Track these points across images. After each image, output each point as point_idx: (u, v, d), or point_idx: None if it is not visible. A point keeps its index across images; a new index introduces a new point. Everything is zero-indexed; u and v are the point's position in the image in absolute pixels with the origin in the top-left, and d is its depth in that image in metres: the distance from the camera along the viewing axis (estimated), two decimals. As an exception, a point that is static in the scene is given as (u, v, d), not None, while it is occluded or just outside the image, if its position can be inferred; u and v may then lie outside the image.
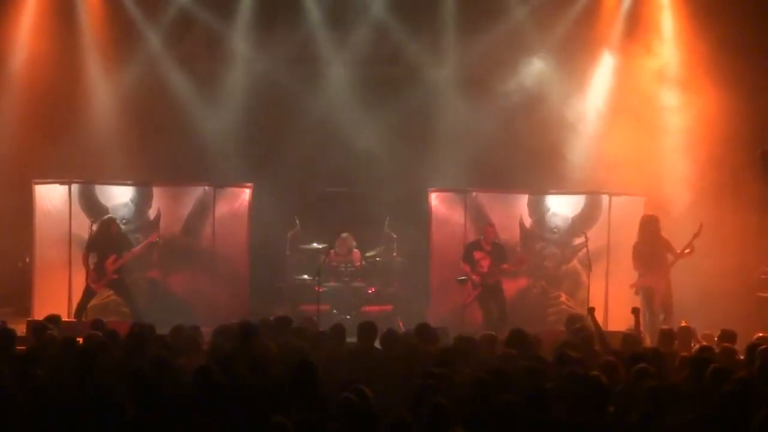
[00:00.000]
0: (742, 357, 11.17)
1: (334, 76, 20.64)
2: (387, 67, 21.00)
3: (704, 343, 11.85)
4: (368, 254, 19.68)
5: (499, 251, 17.56)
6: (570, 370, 9.01)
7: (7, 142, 18.82)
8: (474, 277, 17.44)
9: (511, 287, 18.20)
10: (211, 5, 20.23)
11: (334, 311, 18.16)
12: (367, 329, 11.56)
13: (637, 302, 16.42)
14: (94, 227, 17.51)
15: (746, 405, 8.32)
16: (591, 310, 12.98)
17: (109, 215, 17.82)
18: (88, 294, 17.20)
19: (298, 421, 7.62)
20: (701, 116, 18.69)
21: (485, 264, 17.41)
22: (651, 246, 17.35)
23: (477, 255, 17.49)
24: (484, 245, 17.57)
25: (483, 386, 8.61)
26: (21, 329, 13.53)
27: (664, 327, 12.66)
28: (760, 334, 12.20)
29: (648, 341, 13.57)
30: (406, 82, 20.46)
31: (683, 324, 13.09)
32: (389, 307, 18.86)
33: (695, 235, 16.97)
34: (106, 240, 17.28)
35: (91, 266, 17.23)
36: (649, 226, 17.43)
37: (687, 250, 17.01)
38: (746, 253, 18.34)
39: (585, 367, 9.40)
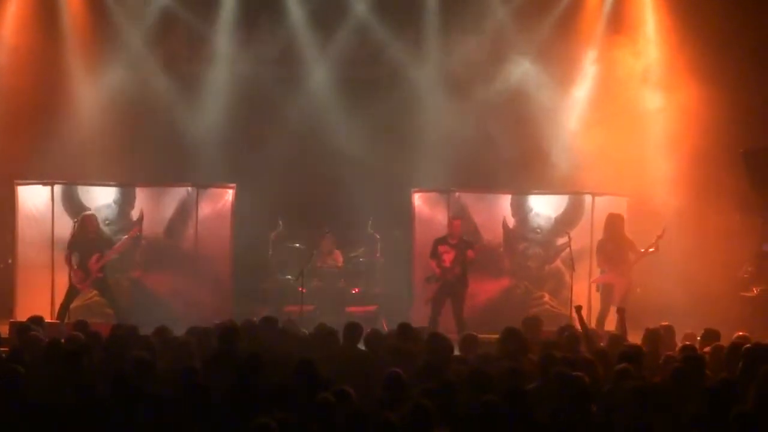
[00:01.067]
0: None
1: (316, 76, 20.67)
2: (369, 67, 21.03)
3: (687, 343, 11.87)
4: (351, 255, 19.68)
5: (463, 246, 17.36)
6: (554, 370, 9.03)
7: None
8: (436, 270, 17.15)
9: (494, 287, 18.24)
10: (193, 6, 20.24)
11: (317, 311, 18.16)
12: (351, 330, 11.55)
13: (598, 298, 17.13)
14: (75, 225, 17.47)
15: (728, 404, 8.35)
16: (578, 309, 12.97)
17: (87, 211, 17.74)
18: (71, 294, 17.14)
19: (281, 421, 7.62)
20: (684, 115, 18.73)
21: (447, 258, 17.21)
22: (614, 244, 17.53)
23: (441, 249, 17.27)
24: (450, 239, 17.29)
25: (464, 386, 8.62)
26: (3, 330, 13.50)
27: (650, 327, 12.67)
28: (740, 333, 12.22)
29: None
30: (388, 83, 20.52)
31: (665, 323, 13.10)
32: (373, 308, 18.86)
33: (659, 236, 17.19)
34: (86, 238, 17.21)
35: (75, 266, 17.17)
36: (614, 225, 17.62)
37: (651, 249, 17.25)
38: (729, 252, 18.39)
39: (570, 367, 9.40)
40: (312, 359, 9.33)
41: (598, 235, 18.12)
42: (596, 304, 17.52)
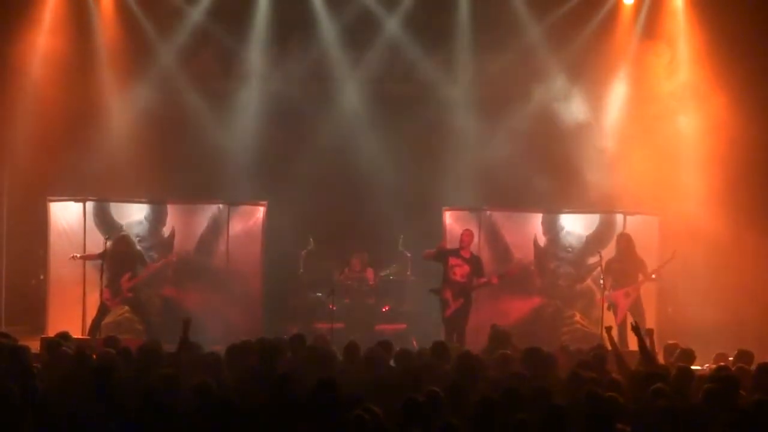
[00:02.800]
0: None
1: (348, 94, 20.66)
2: (401, 85, 21.02)
3: (721, 363, 11.76)
4: (382, 273, 19.67)
5: (477, 263, 17.31)
6: (585, 389, 8.96)
7: (22, 160, 18.84)
8: (455, 283, 17.08)
9: (524, 306, 18.21)
10: (226, 22, 20.27)
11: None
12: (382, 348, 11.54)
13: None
14: (109, 243, 17.55)
15: (759, 425, 8.27)
16: (608, 329, 12.91)
17: (124, 232, 17.86)
18: (102, 311, 17.23)
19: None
20: (719, 133, 18.62)
21: (461, 272, 17.13)
22: (622, 264, 17.59)
23: (453, 261, 17.22)
24: (462, 252, 17.29)
25: (494, 406, 8.56)
26: (35, 346, 13.52)
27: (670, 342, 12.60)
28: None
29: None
30: (420, 100, 20.47)
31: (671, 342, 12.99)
32: (403, 326, 18.83)
33: (667, 261, 17.25)
34: (120, 256, 17.30)
35: (105, 283, 17.24)
36: (622, 245, 17.66)
37: (653, 276, 17.48)
38: (761, 270, 18.25)
39: (599, 387, 9.33)
40: (333, 378, 9.27)
41: (630, 255, 18.09)
42: (628, 324, 17.40)
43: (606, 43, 19.76)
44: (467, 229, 17.58)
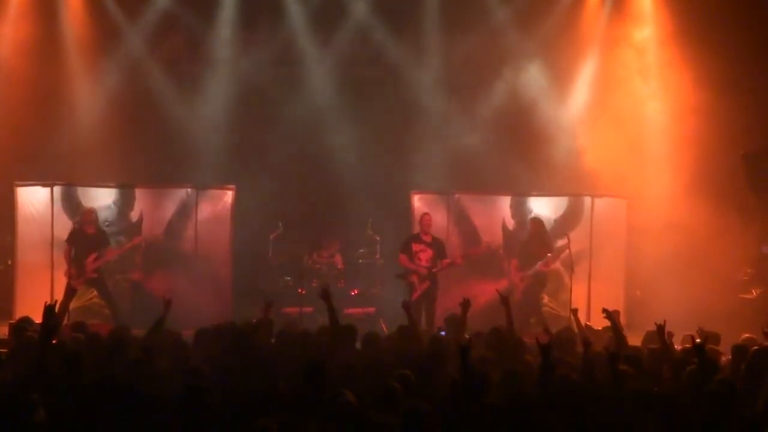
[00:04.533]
0: (725, 359, 11.18)
1: (316, 77, 20.67)
2: (369, 68, 21.04)
3: (687, 345, 11.83)
4: (351, 256, 19.67)
5: (439, 245, 17.37)
6: (557, 373, 8.98)
7: (-12, 144, 18.77)
8: (420, 269, 17.15)
9: (493, 289, 18.21)
10: (193, 7, 20.22)
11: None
12: (346, 332, 11.50)
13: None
14: (76, 222, 17.51)
15: (729, 406, 8.32)
16: (575, 311, 12.99)
17: (89, 206, 17.74)
18: (69, 293, 17.08)
19: (281, 423, 7.59)
20: (685, 117, 18.77)
21: (425, 257, 17.21)
22: (531, 247, 17.82)
23: (416, 247, 17.26)
24: (423, 237, 17.34)
25: (461, 389, 8.57)
26: (2, 332, 13.48)
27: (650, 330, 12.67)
28: (747, 336, 12.18)
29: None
30: (388, 84, 20.52)
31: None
32: (372, 309, 18.85)
33: (561, 250, 17.49)
34: (84, 234, 17.22)
35: (72, 263, 17.17)
36: (532, 228, 17.95)
37: (548, 262, 17.63)
38: (728, 254, 18.37)
39: (568, 369, 9.37)
40: (323, 361, 9.27)
41: (598, 237, 18.18)
42: (595, 308, 17.43)
43: (575, 24, 19.83)
44: (425, 213, 17.62)
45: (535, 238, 17.79)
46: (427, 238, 17.29)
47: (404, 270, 17.23)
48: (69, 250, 17.23)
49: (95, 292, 17.71)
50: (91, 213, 17.48)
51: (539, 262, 17.55)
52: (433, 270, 17.09)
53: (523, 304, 17.26)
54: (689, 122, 18.62)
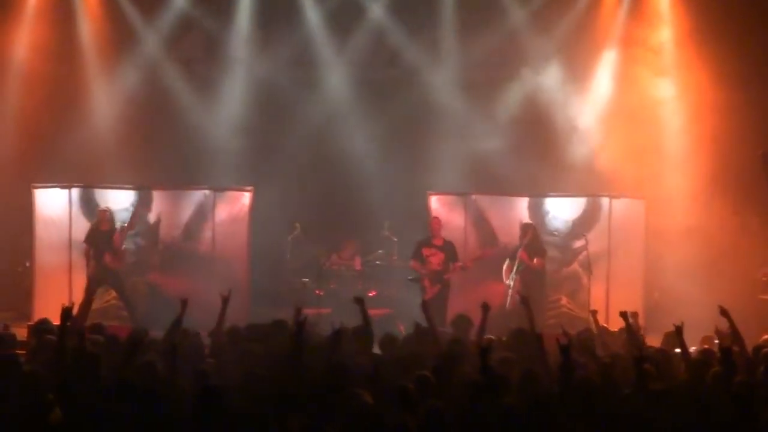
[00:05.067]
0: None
1: (333, 78, 20.65)
2: (386, 69, 21.03)
3: (705, 346, 11.80)
4: (368, 257, 19.65)
5: (450, 249, 17.40)
6: (577, 375, 8.95)
7: (6, 146, 18.81)
8: (431, 271, 17.25)
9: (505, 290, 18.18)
10: (210, 8, 20.24)
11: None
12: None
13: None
14: (93, 221, 17.59)
15: (749, 408, 8.28)
16: (594, 313, 12.97)
17: (104, 206, 17.79)
18: (89, 297, 17.03)
19: (301, 425, 7.59)
20: (703, 117, 18.68)
21: (436, 261, 17.29)
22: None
23: (426, 252, 17.34)
24: (434, 241, 17.42)
25: (481, 389, 8.54)
26: (21, 333, 13.50)
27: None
28: (767, 336, 12.12)
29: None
30: (405, 85, 20.47)
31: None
32: (389, 311, 18.81)
33: (579, 251, 17.70)
34: (100, 231, 17.29)
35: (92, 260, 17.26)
36: (525, 233, 17.68)
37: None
38: (747, 255, 18.29)
39: (587, 371, 9.35)
40: (343, 362, 9.27)
41: (616, 238, 18.12)
42: (613, 309, 17.32)
43: (592, 24, 19.75)
44: (434, 217, 17.74)
45: (528, 245, 17.61)
46: (438, 242, 17.34)
47: (415, 274, 17.26)
48: (88, 249, 17.31)
49: (113, 294, 17.76)
50: (105, 212, 17.55)
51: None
52: (445, 276, 17.10)
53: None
54: (707, 122, 18.54)
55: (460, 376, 9.18)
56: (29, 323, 15.76)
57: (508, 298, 17.22)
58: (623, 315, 11.93)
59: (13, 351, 10.98)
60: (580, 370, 9.20)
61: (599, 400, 8.44)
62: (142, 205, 18.38)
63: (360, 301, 11.61)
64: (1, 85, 19.02)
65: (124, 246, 17.66)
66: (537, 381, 9.04)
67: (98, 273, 17.36)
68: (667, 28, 19.65)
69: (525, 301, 12.22)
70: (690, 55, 19.16)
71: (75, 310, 12.15)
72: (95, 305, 17.46)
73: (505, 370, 9.41)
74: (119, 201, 18.38)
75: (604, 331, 13.34)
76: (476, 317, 12.04)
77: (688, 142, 19.05)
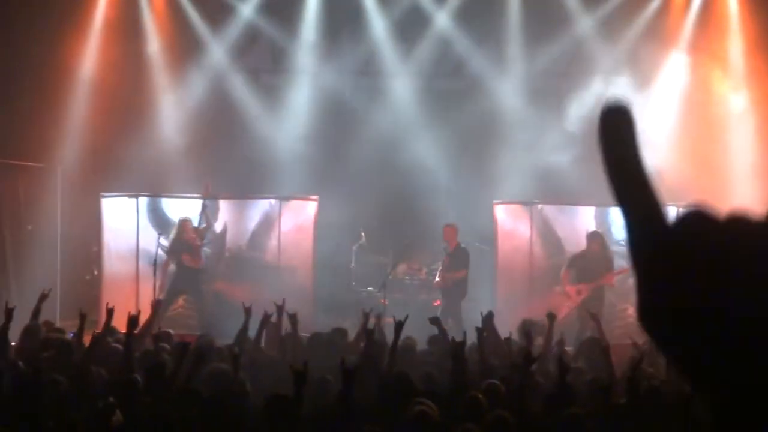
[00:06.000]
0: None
1: (398, 88, 20.71)
2: (451, 78, 21.08)
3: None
4: (433, 267, 19.64)
5: (456, 256, 17.58)
6: (646, 385, 8.89)
7: (76, 156, 19.00)
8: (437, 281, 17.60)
9: (576, 300, 18.06)
10: (276, 18, 20.35)
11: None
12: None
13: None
14: (172, 232, 17.65)
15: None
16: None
17: (184, 216, 17.90)
18: (158, 307, 17.07)
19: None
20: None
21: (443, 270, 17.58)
22: (588, 261, 17.41)
23: (444, 260, 17.69)
24: (449, 249, 17.68)
25: (556, 400, 8.50)
26: (88, 341, 13.59)
27: None
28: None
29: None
30: (470, 94, 20.48)
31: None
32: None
33: (620, 271, 17.29)
34: (182, 240, 17.43)
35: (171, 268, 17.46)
36: (591, 243, 17.51)
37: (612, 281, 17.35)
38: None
39: (655, 380, 9.27)
40: (406, 372, 9.27)
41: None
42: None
43: (659, 33, 19.63)
44: (445, 225, 17.79)
45: (591, 253, 17.47)
46: (450, 249, 17.44)
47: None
48: (167, 262, 17.43)
49: (180, 302, 17.86)
50: (187, 221, 17.66)
51: (600, 277, 17.29)
52: (433, 285, 17.24)
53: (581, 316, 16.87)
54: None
55: (532, 386, 9.15)
56: (96, 331, 15.91)
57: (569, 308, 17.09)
58: None
59: (80, 357, 11.06)
60: (649, 381, 9.13)
61: (667, 411, 8.36)
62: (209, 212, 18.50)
63: (436, 320, 11.67)
64: (70, 98, 19.19)
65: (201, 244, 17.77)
66: (607, 391, 8.96)
67: (178, 280, 17.45)
68: (735, 37, 19.47)
69: (594, 317, 12.21)
70: (759, 65, 18.98)
71: (143, 319, 12.30)
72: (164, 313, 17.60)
73: (572, 380, 9.35)
74: (186, 210, 18.49)
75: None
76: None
77: (757, 153, 18.84)
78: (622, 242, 18.23)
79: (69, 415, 8.07)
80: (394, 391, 8.90)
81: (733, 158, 19.16)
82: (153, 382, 9.40)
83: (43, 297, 12.80)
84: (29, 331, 11.67)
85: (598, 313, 16.00)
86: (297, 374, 7.94)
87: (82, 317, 11.94)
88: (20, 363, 9.93)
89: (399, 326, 10.85)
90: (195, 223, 17.78)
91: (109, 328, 12.47)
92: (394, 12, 20.38)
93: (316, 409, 8.42)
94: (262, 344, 12.00)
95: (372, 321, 12.12)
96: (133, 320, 10.34)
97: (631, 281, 17.54)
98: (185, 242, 17.49)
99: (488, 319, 12.12)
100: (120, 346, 11.02)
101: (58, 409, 8.29)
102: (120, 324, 13.40)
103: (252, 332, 12.15)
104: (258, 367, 10.49)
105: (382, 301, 17.55)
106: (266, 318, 11.96)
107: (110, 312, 11.20)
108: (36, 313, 12.47)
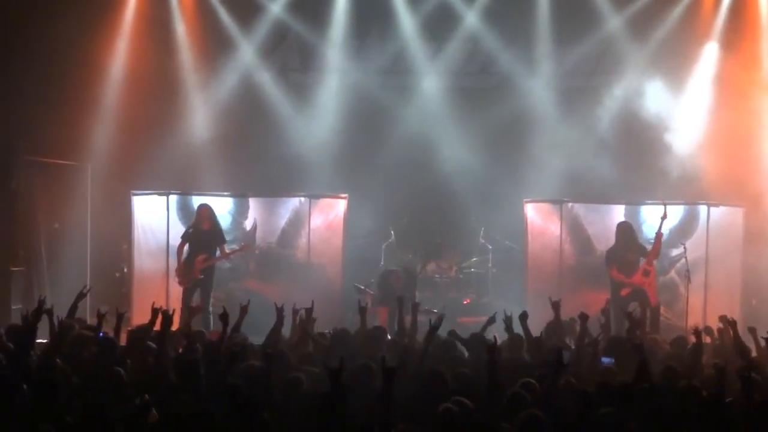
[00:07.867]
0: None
1: (427, 86, 20.69)
2: (480, 77, 21.05)
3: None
4: (463, 265, 19.64)
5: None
6: (681, 385, 8.87)
7: (106, 154, 19.05)
8: None
9: (604, 298, 18.03)
10: (305, 17, 20.34)
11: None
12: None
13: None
14: (193, 219, 17.65)
15: None
16: (752, 331, 12.54)
17: (205, 203, 17.88)
18: (188, 299, 17.07)
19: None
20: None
21: None
22: (624, 253, 17.18)
23: None
24: None
25: (583, 399, 8.49)
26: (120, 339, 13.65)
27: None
28: None
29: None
30: (499, 92, 20.47)
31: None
32: (484, 319, 18.73)
33: (676, 259, 17.32)
34: (200, 230, 17.34)
35: (181, 260, 17.33)
36: (620, 234, 17.32)
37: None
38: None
39: (690, 381, 9.24)
40: (441, 371, 9.29)
41: (714, 245, 17.90)
42: (711, 318, 16.93)
43: (689, 31, 19.55)
44: None
45: (622, 243, 17.33)
46: None
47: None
48: (182, 245, 17.35)
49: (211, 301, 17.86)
50: (207, 209, 17.57)
51: (645, 263, 17.13)
52: None
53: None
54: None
55: (566, 385, 9.15)
56: (129, 328, 15.97)
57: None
58: (732, 324, 11.80)
59: (114, 354, 11.10)
60: (685, 380, 9.11)
61: (705, 410, 8.33)
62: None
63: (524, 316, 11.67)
64: (100, 96, 19.24)
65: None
66: (644, 392, 8.95)
67: (207, 281, 17.40)
68: (766, 35, 19.40)
69: (631, 318, 12.19)
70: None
71: (176, 318, 12.33)
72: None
73: (607, 380, 9.35)
74: (216, 208, 18.51)
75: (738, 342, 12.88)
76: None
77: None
78: (652, 240, 18.18)
79: (106, 413, 8.11)
80: (428, 390, 8.91)
81: (762, 153, 19.05)
82: (187, 380, 9.44)
83: (82, 295, 12.80)
84: (63, 329, 11.67)
85: (642, 313, 15.99)
86: (332, 372, 7.96)
87: (119, 316, 11.94)
88: (58, 360, 10.01)
89: (434, 329, 10.79)
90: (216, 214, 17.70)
91: (148, 327, 12.49)
92: (423, 10, 20.34)
93: (357, 408, 8.41)
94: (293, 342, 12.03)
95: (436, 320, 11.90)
96: (166, 318, 10.35)
97: (661, 279, 17.59)
98: (204, 234, 17.33)
99: (522, 319, 12.10)
100: (154, 345, 11.05)
101: (94, 408, 8.30)
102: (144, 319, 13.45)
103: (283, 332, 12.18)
104: (289, 366, 10.50)
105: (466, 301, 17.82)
106: (296, 314, 12.00)
107: (155, 312, 11.18)
108: (73, 310, 12.48)
